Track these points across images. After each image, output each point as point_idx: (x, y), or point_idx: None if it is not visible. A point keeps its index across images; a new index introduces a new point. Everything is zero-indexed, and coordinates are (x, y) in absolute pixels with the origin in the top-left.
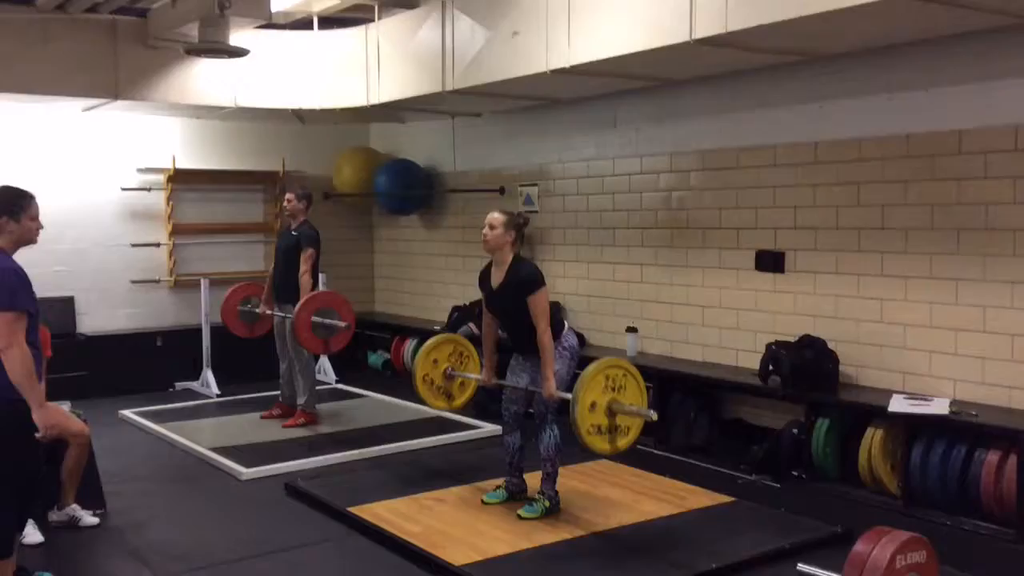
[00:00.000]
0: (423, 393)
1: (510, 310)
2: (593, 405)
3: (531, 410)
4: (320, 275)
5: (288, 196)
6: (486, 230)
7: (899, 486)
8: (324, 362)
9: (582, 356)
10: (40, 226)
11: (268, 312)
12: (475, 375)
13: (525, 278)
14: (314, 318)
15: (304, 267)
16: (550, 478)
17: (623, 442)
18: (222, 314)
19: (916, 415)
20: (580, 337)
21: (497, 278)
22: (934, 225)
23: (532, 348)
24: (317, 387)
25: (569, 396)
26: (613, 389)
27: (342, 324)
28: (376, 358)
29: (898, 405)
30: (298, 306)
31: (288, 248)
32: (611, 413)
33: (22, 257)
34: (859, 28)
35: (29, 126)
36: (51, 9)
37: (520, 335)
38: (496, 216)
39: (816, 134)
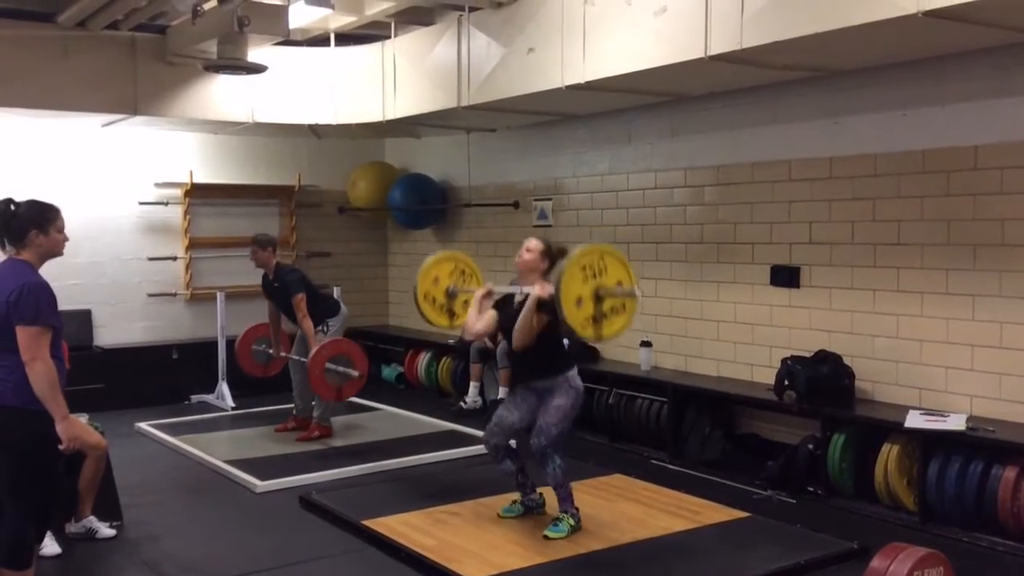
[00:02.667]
0: (425, 311)
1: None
2: (579, 301)
3: (512, 441)
4: (335, 288)
5: (251, 251)
6: (523, 251)
7: (915, 502)
8: None
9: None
10: (66, 238)
11: (282, 355)
12: (477, 289)
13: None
14: (328, 364)
15: (300, 313)
16: (567, 500)
17: (619, 323)
18: (237, 356)
19: (933, 431)
20: (593, 352)
21: (520, 300)
22: (950, 240)
23: (541, 372)
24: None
25: (549, 292)
26: (594, 275)
27: (355, 373)
28: (390, 371)
29: (914, 421)
30: (312, 353)
31: (281, 298)
32: (599, 299)
33: (43, 270)
34: (874, 45)
35: (49, 141)
36: (72, 26)
37: (533, 356)
38: (535, 242)
39: (831, 149)
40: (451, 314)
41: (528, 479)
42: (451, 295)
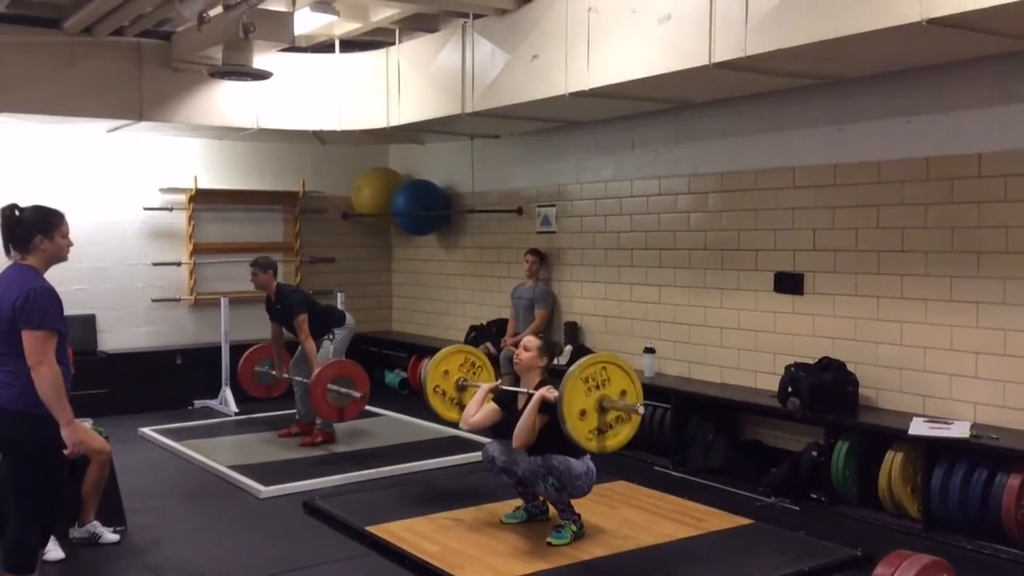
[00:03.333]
0: (435, 404)
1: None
2: (583, 413)
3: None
4: (339, 294)
5: (252, 273)
6: (520, 351)
7: (919, 509)
8: None
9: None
10: (71, 243)
11: (285, 376)
12: (487, 384)
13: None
14: (330, 386)
15: (303, 334)
16: (567, 509)
17: (625, 431)
18: (240, 378)
19: (937, 438)
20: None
21: (523, 400)
22: (954, 248)
23: (543, 449)
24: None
25: (554, 395)
26: (597, 387)
27: (356, 395)
28: (393, 377)
29: (918, 428)
30: (314, 375)
31: (284, 319)
32: (603, 409)
33: (47, 274)
34: (878, 52)
35: (54, 147)
36: (78, 32)
37: (540, 445)
38: (532, 340)
39: (835, 156)
40: (461, 407)
41: (529, 488)
42: (461, 388)
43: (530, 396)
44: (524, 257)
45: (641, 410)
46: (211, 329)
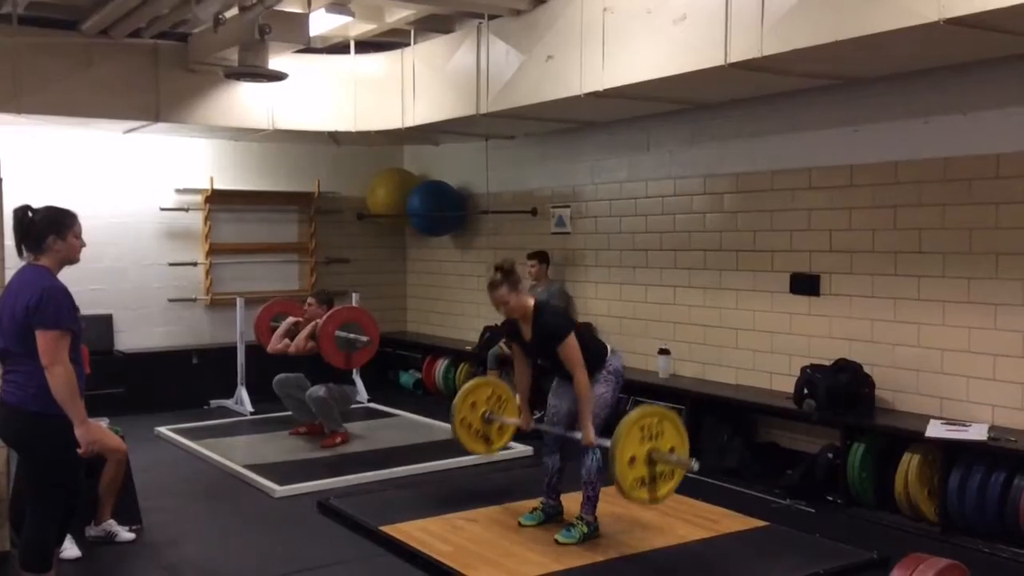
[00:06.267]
0: (462, 438)
1: (548, 359)
2: (632, 460)
3: (572, 432)
4: (354, 295)
5: (309, 301)
6: (501, 308)
7: (936, 512)
8: (356, 381)
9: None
10: (83, 244)
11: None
12: (514, 420)
13: (551, 331)
14: (338, 332)
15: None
16: (591, 502)
17: (664, 490)
18: (256, 330)
19: (954, 441)
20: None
21: (526, 332)
22: (972, 249)
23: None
24: (350, 407)
25: (607, 444)
26: (650, 438)
27: (364, 339)
28: (408, 377)
29: (935, 430)
30: (323, 319)
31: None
32: (651, 462)
33: (63, 275)
34: (895, 53)
35: (72, 148)
36: (95, 34)
37: (562, 370)
38: (501, 292)
39: (852, 157)
40: (487, 440)
41: (558, 484)
42: (488, 421)
43: (536, 338)
44: (528, 262)
45: (696, 467)
46: (227, 329)
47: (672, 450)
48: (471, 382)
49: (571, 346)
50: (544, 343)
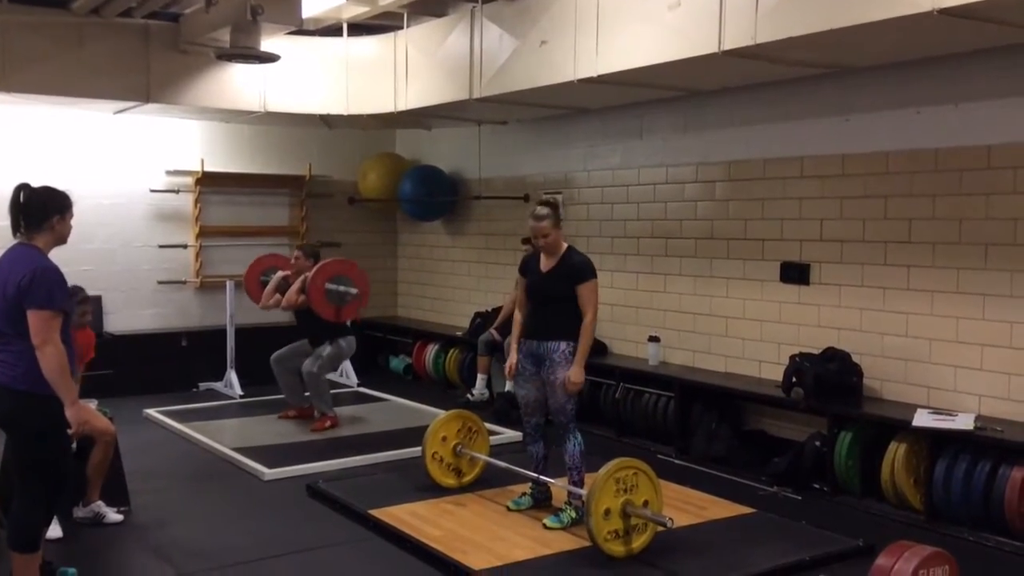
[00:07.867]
0: (432, 471)
1: (552, 294)
2: (607, 512)
3: (549, 418)
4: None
5: (296, 255)
6: (540, 240)
7: (922, 501)
8: (346, 365)
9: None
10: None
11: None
12: (483, 455)
13: (580, 266)
14: (328, 285)
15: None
16: (577, 487)
17: (638, 542)
18: (246, 284)
19: (941, 430)
20: (601, 346)
21: (547, 264)
22: (962, 239)
23: (553, 332)
24: (335, 391)
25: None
26: (625, 491)
27: (354, 291)
28: (398, 362)
29: (922, 420)
30: (312, 272)
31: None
32: (626, 515)
33: (53, 256)
34: (887, 42)
35: (61, 128)
36: (86, 13)
37: (547, 318)
38: (544, 224)
39: (843, 146)
40: (458, 472)
41: (544, 470)
42: (458, 454)
43: (560, 267)
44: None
45: (671, 523)
46: (216, 312)
47: (646, 503)
48: (442, 416)
49: (592, 288)
50: (565, 278)
